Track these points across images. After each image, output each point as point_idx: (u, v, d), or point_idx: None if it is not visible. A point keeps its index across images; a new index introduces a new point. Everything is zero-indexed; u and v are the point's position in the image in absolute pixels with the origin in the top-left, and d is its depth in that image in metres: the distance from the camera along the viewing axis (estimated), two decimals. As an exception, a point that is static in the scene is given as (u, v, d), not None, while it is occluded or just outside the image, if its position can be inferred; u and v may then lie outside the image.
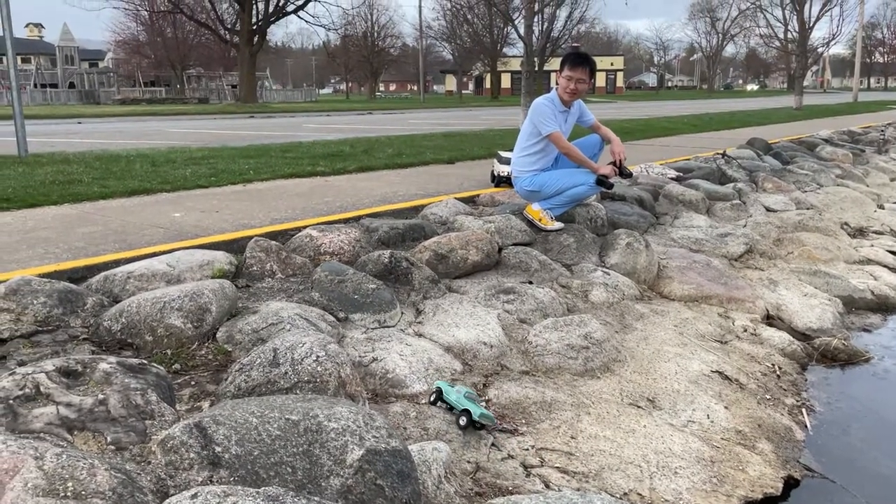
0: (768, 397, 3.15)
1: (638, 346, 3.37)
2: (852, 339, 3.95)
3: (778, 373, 3.46)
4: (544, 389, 2.74)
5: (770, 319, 4.16)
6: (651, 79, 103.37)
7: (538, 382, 2.81)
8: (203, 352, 2.56)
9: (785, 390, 3.31)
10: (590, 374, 2.99)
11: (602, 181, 4.37)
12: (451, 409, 2.44)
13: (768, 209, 6.32)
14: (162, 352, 2.52)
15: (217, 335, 2.66)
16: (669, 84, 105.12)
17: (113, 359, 1.83)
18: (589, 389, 2.86)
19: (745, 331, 3.84)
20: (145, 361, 1.92)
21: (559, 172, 4.55)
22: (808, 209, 6.47)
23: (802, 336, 3.97)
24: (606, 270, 4.07)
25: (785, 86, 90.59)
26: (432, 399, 2.48)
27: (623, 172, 4.49)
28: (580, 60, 4.40)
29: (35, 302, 2.67)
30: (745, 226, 5.67)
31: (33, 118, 21.53)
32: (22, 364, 2.28)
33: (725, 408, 2.86)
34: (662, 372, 3.12)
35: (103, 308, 2.80)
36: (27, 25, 75.86)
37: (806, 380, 3.48)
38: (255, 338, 2.60)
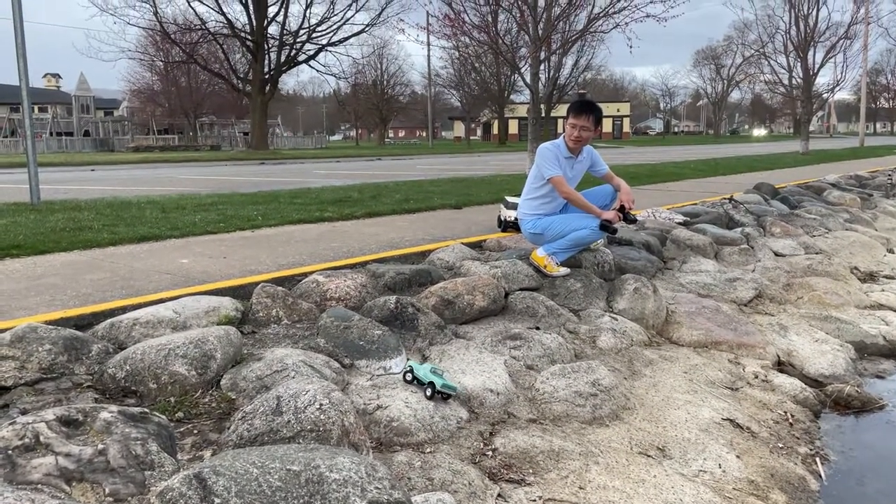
0: (781, 446, 3.08)
1: (647, 392, 3.32)
2: (865, 386, 3.88)
3: (790, 420, 3.39)
4: (552, 438, 2.70)
5: (781, 366, 4.10)
6: (657, 124, 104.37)
7: (546, 431, 2.76)
8: (207, 399, 2.54)
9: (798, 438, 3.24)
10: (598, 421, 2.95)
11: (606, 226, 4.36)
12: (420, 383, 2.85)
13: (777, 254, 6.29)
14: (165, 399, 2.50)
15: (221, 382, 2.64)
16: (676, 129, 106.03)
17: (114, 407, 1.82)
18: (597, 438, 2.82)
19: (756, 377, 3.78)
20: (147, 410, 1.90)
21: (563, 216, 4.57)
22: (816, 253, 6.43)
23: (814, 383, 3.90)
24: (614, 316, 4.04)
25: (791, 130, 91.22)
26: (408, 378, 2.89)
27: (628, 218, 4.49)
28: (585, 108, 4.45)
29: (40, 349, 2.66)
30: (753, 270, 5.63)
31: (48, 165, 21.89)
32: (24, 413, 2.26)
33: (737, 457, 2.80)
34: (672, 420, 3.07)
35: (108, 355, 2.79)
36: (45, 76, 77.63)
37: (819, 428, 3.41)
38: (259, 385, 2.58)
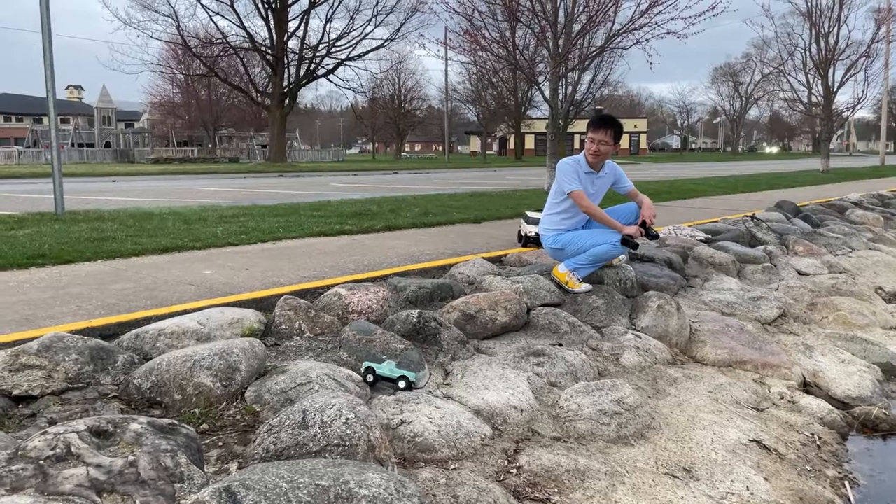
0: (809, 468, 3.03)
1: (672, 412, 3.28)
2: (893, 409, 3.81)
3: (818, 443, 3.34)
4: (577, 457, 2.67)
5: (807, 386, 4.04)
6: (675, 141, 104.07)
7: (570, 449, 2.73)
8: (231, 411, 2.53)
9: (826, 461, 3.18)
10: (623, 441, 2.91)
11: (627, 241, 4.33)
12: (387, 380, 2.91)
13: (800, 272, 6.22)
14: (190, 411, 2.50)
15: (245, 395, 2.63)
16: (693, 146, 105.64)
17: (144, 419, 1.82)
18: (623, 457, 2.78)
19: (782, 398, 3.73)
20: (175, 422, 1.90)
21: (584, 231, 4.55)
22: (840, 273, 6.36)
23: (841, 404, 3.84)
24: (637, 333, 4.00)
25: (810, 148, 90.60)
26: (370, 381, 2.90)
27: (650, 234, 4.46)
28: (603, 123, 4.44)
29: (67, 359, 2.68)
30: (777, 289, 5.57)
31: (71, 176, 22.16)
32: (52, 422, 2.27)
33: (765, 479, 2.75)
34: (698, 440, 3.03)
35: (133, 365, 2.80)
36: (68, 87, 78.91)
37: (847, 450, 3.34)
38: (283, 398, 2.57)
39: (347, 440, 2.11)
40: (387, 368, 2.92)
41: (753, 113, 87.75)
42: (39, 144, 53.73)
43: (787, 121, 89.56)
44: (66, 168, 26.29)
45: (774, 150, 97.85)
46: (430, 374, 3.20)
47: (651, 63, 10.93)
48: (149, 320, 3.29)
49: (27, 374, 2.57)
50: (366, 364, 2.95)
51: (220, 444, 2.33)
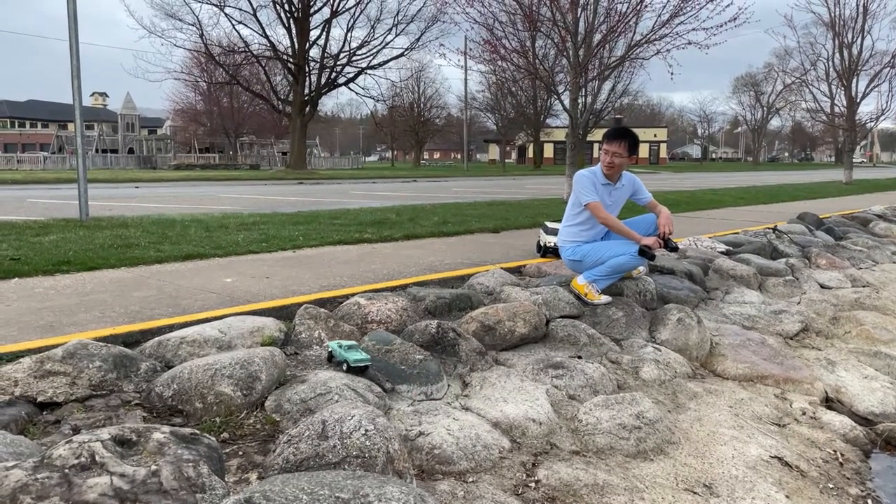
0: (831, 486, 2.99)
1: (692, 427, 3.26)
2: (918, 426, 3.75)
3: (840, 460, 3.29)
4: (596, 472, 2.65)
5: (829, 402, 3.99)
6: (695, 150, 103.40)
7: (589, 464, 2.72)
8: (251, 421, 2.55)
9: (849, 479, 3.14)
10: (642, 455, 2.89)
11: (645, 252, 4.30)
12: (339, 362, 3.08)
13: (822, 286, 6.15)
14: (211, 419, 2.52)
15: (265, 404, 2.65)
16: (713, 156, 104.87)
17: (166, 428, 1.84)
18: (642, 473, 2.76)
19: (804, 414, 3.68)
20: (197, 431, 1.92)
21: (602, 243, 4.54)
22: (864, 287, 6.28)
23: (864, 421, 3.79)
24: (657, 346, 3.98)
25: (833, 159, 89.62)
26: (333, 359, 3.13)
27: (668, 245, 4.43)
28: (617, 135, 4.44)
29: (91, 366, 2.71)
30: (799, 303, 5.51)
31: (95, 182, 22.46)
32: (75, 430, 2.30)
33: (787, 497, 2.72)
34: (719, 456, 3.00)
35: (156, 373, 2.83)
36: (92, 94, 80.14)
37: (870, 468, 3.30)
38: (303, 408, 2.59)
39: (367, 452, 2.11)
40: (338, 351, 3.09)
41: (775, 123, 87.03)
42: (64, 150, 54.57)
43: (809, 131, 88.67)
44: (90, 174, 26.62)
45: (795, 160, 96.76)
46: (449, 386, 3.20)
47: (672, 73, 10.89)
48: (171, 328, 3.33)
49: (52, 381, 2.61)
50: (329, 344, 3.19)
51: (241, 452, 2.34)
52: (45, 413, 2.49)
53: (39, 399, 2.53)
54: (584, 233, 4.55)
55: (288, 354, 3.30)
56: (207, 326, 3.23)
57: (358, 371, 2.99)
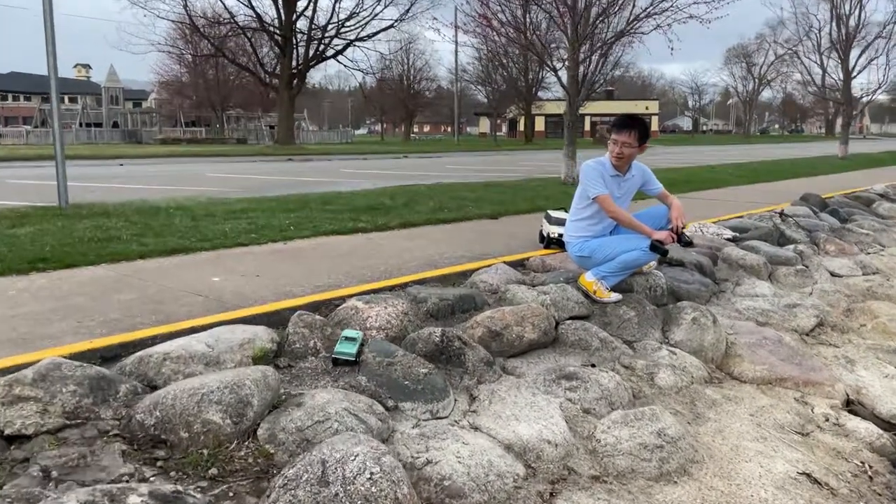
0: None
1: (714, 440, 3.06)
2: (946, 431, 3.57)
3: (869, 472, 3.11)
4: (619, 501, 2.44)
5: (850, 405, 3.81)
6: (686, 122, 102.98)
7: (612, 492, 2.51)
8: (243, 453, 2.32)
9: (880, 495, 2.95)
10: (666, 478, 2.68)
11: (657, 247, 4.07)
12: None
13: (833, 274, 5.96)
14: (198, 451, 2.28)
15: (258, 432, 2.41)
16: (704, 128, 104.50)
17: (145, 488, 1.60)
18: (666, 498, 2.56)
19: (827, 420, 3.49)
20: (180, 489, 1.68)
21: (611, 238, 4.30)
22: (874, 274, 6.09)
23: (887, 424, 3.61)
24: (672, 349, 3.76)
25: (823, 131, 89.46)
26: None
27: (682, 240, 4.20)
28: (627, 124, 4.18)
29: (64, 390, 2.46)
30: (811, 293, 5.32)
31: (78, 158, 21.98)
32: (46, 472, 2.06)
33: (822, 523, 2.53)
34: (745, 475, 2.80)
35: (136, 396, 2.58)
36: (75, 66, 78.53)
37: (901, 482, 3.11)
38: (299, 438, 2.35)
39: (373, 499, 1.89)
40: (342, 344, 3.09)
41: (766, 95, 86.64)
42: (48, 124, 53.58)
43: (799, 103, 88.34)
44: (73, 150, 26.11)
45: (784, 132, 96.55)
46: (456, 401, 2.98)
47: (672, 49, 10.59)
48: (154, 339, 3.08)
49: (21, 409, 2.36)
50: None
51: (231, 493, 2.11)
52: (12, 448, 2.25)
53: (7, 432, 2.28)
54: (592, 227, 4.31)
55: (281, 367, 3.06)
56: (193, 339, 2.98)
57: (343, 363, 2.98)
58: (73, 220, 6.26)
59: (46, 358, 2.62)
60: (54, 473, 2.06)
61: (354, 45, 37.23)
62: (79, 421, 2.40)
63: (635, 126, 4.18)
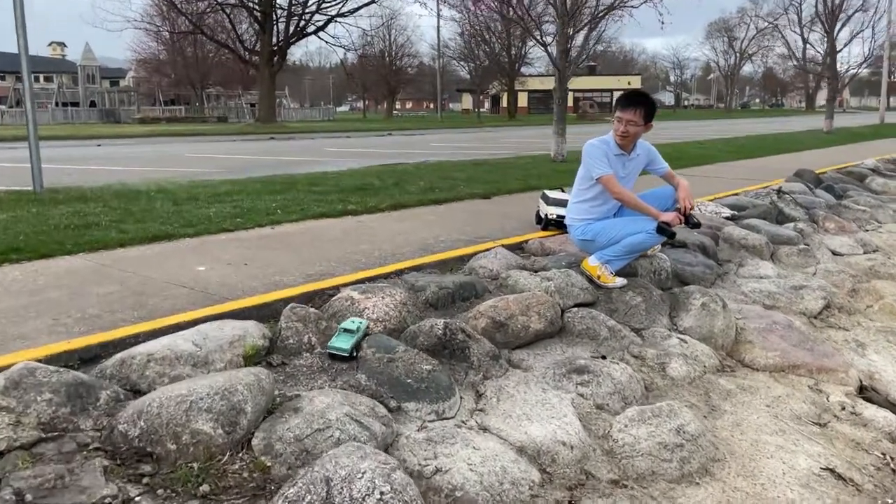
0: (890, 501, 2.68)
1: (733, 435, 2.91)
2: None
3: (892, 465, 2.98)
4: (642, 508, 2.29)
5: (864, 391, 3.69)
6: (667, 98, 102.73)
7: (634, 498, 2.35)
8: (236, 466, 2.12)
9: (904, 489, 2.83)
10: (687, 479, 2.53)
11: (663, 229, 3.90)
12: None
13: (834, 252, 5.84)
14: (187, 465, 2.09)
15: (253, 442, 2.22)
16: (686, 103, 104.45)
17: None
18: (690, 502, 2.41)
19: (843, 409, 3.36)
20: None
21: (615, 220, 4.13)
22: (874, 252, 5.98)
23: (902, 410, 3.49)
24: (682, 337, 3.60)
25: (803, 105, 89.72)
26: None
27: (690, 221, 4.04)
28: (632, 101, 3.99)
29: (39, 399, 2.26)
30: (815, 273, 5.19)
31: (54, 139, 21.45)
32: (19, 496, 1.86)
33: (853, 525, 2.39)
34: (769, 473, 2.66)
35: (119, 403, 2.38)
36: (50, 44, 76.68)
37: (923, 473, 2.99)
38: (298, 449, 2.16)
39: (384, 522, 1.71)
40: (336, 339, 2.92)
41: (747, 69, 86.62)
42: (23, 104, 52.42)
43: (780, 77, 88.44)
44: (49, 130, 25.51)
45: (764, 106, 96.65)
46: (462, 398, 2.80)
47: (662, 23, 10.36)
48: (136, 338, 2.86)
49: (-8, 421, 2.15)
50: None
51: (225, 513, 1.93)
52: (-18, 467, 2.04)
53: (-24, 449, 2.07)
54: (596, 209, 4.13)
55: (274, 365, 2.86)
56: (179, 337, 2.77)
57: (339, 359, 2.85)
58: (49, 206, 5.97)
59: (20, 363, 2.41)
60: (28, 497, 1.86)
61: (336, 21, 36.56)
62: (56, 433, 2.19)
63: (641, 103, 3.98)
